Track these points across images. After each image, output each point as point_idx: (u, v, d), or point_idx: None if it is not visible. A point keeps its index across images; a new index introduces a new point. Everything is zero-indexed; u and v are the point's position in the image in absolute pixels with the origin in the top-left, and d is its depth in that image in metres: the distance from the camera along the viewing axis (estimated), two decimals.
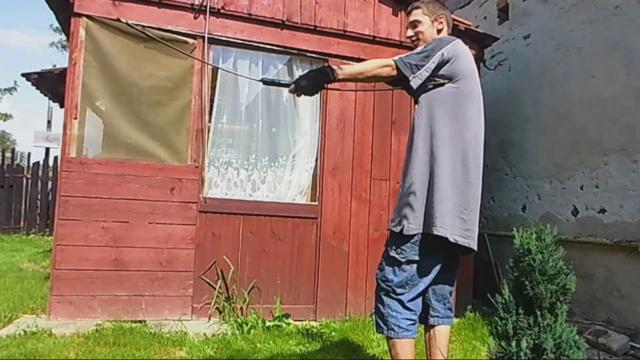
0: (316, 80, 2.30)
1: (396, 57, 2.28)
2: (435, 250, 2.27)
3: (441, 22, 2.49)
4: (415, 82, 2.26)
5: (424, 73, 2.25)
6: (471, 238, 2.29)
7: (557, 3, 5.15)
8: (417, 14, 2.51)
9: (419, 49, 2.33)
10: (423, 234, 2.26)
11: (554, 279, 1.77)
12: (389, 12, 4.70)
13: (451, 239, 2.22)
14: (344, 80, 2.35)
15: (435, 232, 2.22)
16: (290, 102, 4.62)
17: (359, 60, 4.59)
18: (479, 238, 2.46)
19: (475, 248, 2.33)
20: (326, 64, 2.41)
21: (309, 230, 4.45)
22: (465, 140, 2.31)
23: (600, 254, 4.48)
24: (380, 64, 2.28)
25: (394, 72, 2.26)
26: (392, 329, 2.25)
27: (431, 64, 2.25)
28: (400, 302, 2.26)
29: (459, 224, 2.25)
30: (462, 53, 2.33)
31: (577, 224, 4.73)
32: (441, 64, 2.27)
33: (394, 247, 2.31)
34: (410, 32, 2.55)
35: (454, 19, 4.68)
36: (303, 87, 2.28)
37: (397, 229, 2.29)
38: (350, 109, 4.60)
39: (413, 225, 2.25)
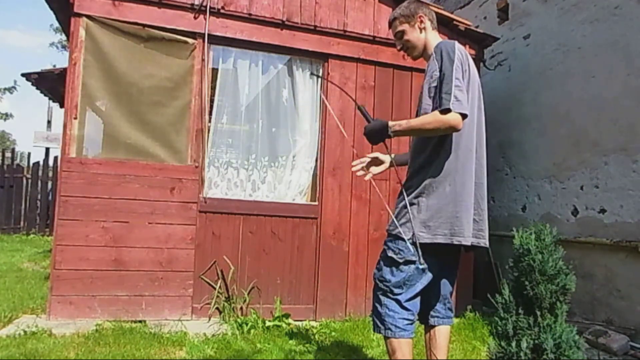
0: (376, 136, 2.32)
1: (445, 105, 2.15)
2: (434, 250, 2.27)
3: (422, 21, 2.46)
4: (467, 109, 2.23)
5: (465, 99, 2.20)
6: (483, 237, 2.33)
7: (557, 3, 5.15)
8: (396, 27, 2.51)
9: (435, 73, 2.25)
10: None
11: (554, 279, 1.77)
12: (389, 12, 4.69)
13: (467, 243, 2.24)
14: (401, 134, 2.31)
15: (464, 243, 2.22)
16: (290, 102, 4.63)
17: (358, 60, 4.62)
18: None
19: (487, 245, 2.35)
20: (385, 123, 2.32)
21: (309, 230, 4.45)
22: (472, 142, 2.31)
23: (600, 254, 4.48)
24: (443, 120, 2.16)
25: (461, 123, 2.18)
26: (389, 329, 2.25)
27: (463, 81, 2.22)
28: (398, 302, 2.26)
29: (473, 226, 2.28)
30: (465, 55, 2.32)
31: (577, 224, 4.73)
32: (462, 72, 2.25)
33: (392, 248, 2.30)
34: (398, 45, 2.55)
35: (454, 19, 4.73)
36: (367, 136, 2.35)
37: (406, 236, 2.25)
38: (350, 109, 4.60)
39: (425, 233, 2.23)
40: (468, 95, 2.28)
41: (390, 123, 2.29)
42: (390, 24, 2.55)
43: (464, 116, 2.19)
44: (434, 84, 2.25)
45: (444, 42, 2.35)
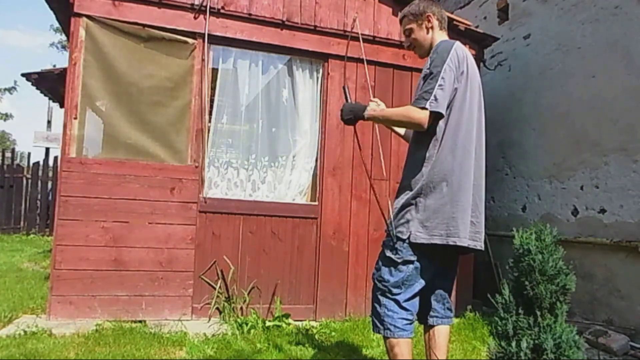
0: (350, 115, 2.50)
1: (420, 104, 2.20)
2: (432, 250, 2.27)
3: (430, 20, 2.45)
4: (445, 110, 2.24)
5: (445, 100, 2.21)
6: (479, 239, 2.33)
7: (557, 3, 5.15)
8: (405, 24, 2.52)
9: (426, 71, 2.26)
10: None
11: (554, 279, 1.77)
12: (389, 12, 4.71)
13: (463, 244, 2.24)
14: (372, 120, 2.47)
15: (459, 244, 2.22)
16: (290, 102, 4.63)
17: (358, 60, 4.61)
18: None
19: (482, 248, 2.35)
20: (364, 105, 2.52)
21: (309, 230, 4.45)
22: (471, 142, 2.30)
23: (600, 254, 4.48)
24: (414, 115, 2.22)
25: (427, 122, 2.21)
26: (388, 329, 2.25)
27: (448, 84, 2.21)
28: (397, 302, 2.26)
29: (470, 228, 2.27)
30: (462, 55, 2.31)
31: (577, 224, 4.73)
32: (455, 73, 2.25)
33: (390, 248, 2.30)
34: (406, 42, 2.58)
35: (454, 19, 4.72)
36: (342, 112, 2.53)
37: (404, 236, 2.25)
38: None
39: (422, 234, 2.23)
40: (466, 95, 2.28)
41: (369, 107, 2.46)
42: (400, 21, 2.56)
43: (439, 115, 2.21)
44: (423, 82, 2.27)
45: (443, 42, 2.35)
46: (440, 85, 2.19)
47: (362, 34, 4.59)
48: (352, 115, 2.48)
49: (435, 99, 2.18)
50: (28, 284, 5.16)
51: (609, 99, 4.49)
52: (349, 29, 4.57)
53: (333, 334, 3.84)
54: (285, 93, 4.61)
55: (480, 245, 2.32)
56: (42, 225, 10.86)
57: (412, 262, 2.25)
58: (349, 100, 2.64)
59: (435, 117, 2.22)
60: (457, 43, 2.32)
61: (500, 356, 1.79)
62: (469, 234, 2.27)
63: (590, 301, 4.53)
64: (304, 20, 4.45)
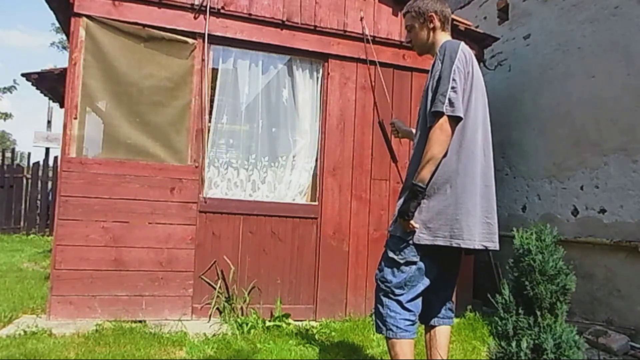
0: (410, 205, 2.22)
1: (439, 107, 2.16)
2: (435, 252, 2.27)
3: (432, 21, 2.43)
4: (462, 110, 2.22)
5: (460, 101, 2.19)
6: (494, 240, 2.32)
7: (557, 3, 5.15)
8: (407, 20, 2.51)
9: (437, 74, 2.24)
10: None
11: (554, 279, 1.77)
12: (389, 12, 4.70)
13: (479, 247, 2.23)
14: (427, 175, 2.21)
15: (464, 246, 2.21)
16: (290, 102, 4.63)
17: (358, 60, 4.61)
18: None
19: (498, 248, 2.34)
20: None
21: (309, 230, 4.45)
22: (476, 144, 2.30)
23: (600, 254, 4.48)
24: (441, 136, 2.16)
25: (451, 130, 2.19)
26: (391, 329, 2.25)
27: (459, 84, 2.20)
28: (399, 302, 2.26)
29: (484, 229, 2.27)
30: (468, 56, 2.29)
31: (577, 224, 4.73)
32: (463, 74, 2.24)
33: (393, 249, 2.30)
34: (407, 38, 2.58)
35: (454, 19, 4.72)
36: (406, 214, 2.23)
37: (407, 236, 2.25)
38: (350, 109, 4.60)
39: (425, 235, 2.23)
40: (471, 97, 2.27)
41: (415, 182, 2.21)
42: (404, 16, 2.55)
43: (458, 119, 2.20)
44: (435, 85, 2.25)
45: (449, 42, 2.32)
46: (453, 87, 2.18)
47: (362, 34, 4.61)
48: (409, 200, 2.23)
49: (450, 102, 2.16)
50: (28, 284, 5.16)
51: (609, 99, 4.49)
52: (349, 29, 4.57)
53: (333, 334, 3.84)
54: (285, 93, 4.61)
55: (495, 245, 2.31)
56: (42, 225, 10.86)
57: (414, 263, 2.25)
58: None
59: (456, 120, 2.20)
60: (462, 43, 2.31)
61: (500, 356, 1.79)
62: (484, 235, 2.27)
63: (590, 301, 4.53)
64: (304, 20, 4.45)
